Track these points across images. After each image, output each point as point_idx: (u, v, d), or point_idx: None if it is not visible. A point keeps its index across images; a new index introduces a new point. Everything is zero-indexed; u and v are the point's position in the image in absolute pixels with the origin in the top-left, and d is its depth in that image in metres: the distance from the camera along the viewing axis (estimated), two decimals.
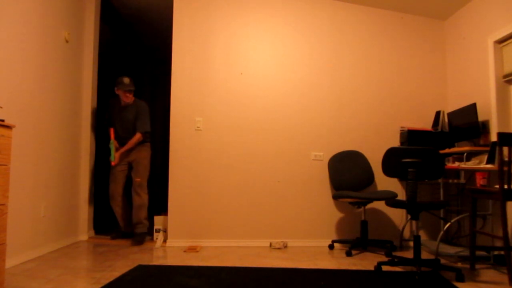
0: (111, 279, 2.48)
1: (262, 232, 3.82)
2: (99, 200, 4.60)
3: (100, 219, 4.81)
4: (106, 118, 4.09)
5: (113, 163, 3.84)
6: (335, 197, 3.57)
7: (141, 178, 3.90)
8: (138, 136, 3.88)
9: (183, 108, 3.83)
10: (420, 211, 2.82)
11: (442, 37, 4.19)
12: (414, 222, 3.92)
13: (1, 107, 2.63)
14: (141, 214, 3.87)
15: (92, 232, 4.13)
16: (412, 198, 2.65)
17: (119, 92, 3.89)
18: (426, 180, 3.76)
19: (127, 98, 3.90)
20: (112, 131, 3.94)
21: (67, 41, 3.63)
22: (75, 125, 3.83)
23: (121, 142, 3.98)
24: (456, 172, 3.70)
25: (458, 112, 3.62)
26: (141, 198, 3.88)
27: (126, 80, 3.88)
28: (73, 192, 3.79)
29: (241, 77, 3.92)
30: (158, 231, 3.85)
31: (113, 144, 3.88)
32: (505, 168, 2.62)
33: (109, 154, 4.00)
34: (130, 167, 3.98)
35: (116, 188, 3.92)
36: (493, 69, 3.34)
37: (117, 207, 3.94)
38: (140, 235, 3.81)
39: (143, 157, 3.96)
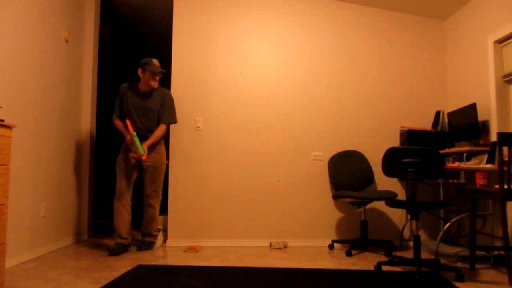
0: (111, 279, 2.48)
1: (262, 232, 3.82)
2: (99, 199, 4.61)
3: (99, 218, 4.82)
4: (117, 107, 3.53)
5: (144, 157, 3.29)
6: (335, 197, 3.57)
7: (158, 189, 3.48)
8: (163, 128, 3.42)
9: (183, 108, 3.83)
10: (420, 211, 2.82)
11: (442, 37, 4.19)
12: (414, 222, 3.92)
13: (1, 107, 2.63)
14: (151, 227, 3.51)
15: (92, 232, 4.12)
16: (412, 198, 2.65)
17: (145, 74, 3.40)
18: (426, 180, 3.76)
19: (155, 83, 3.43)
20: (128, 123, 3.39)
21: (67, 41, 3.63)
22: (75, 125, 3.83)
23: (141, 136, 3.46)
24: (456, 172, 3.70)
25: (458, 112, 3.62)
26: (155, 210, 3.49)
27: (156, 61, 3.41)
28: (73, 192, 3.79)
29: (241, 77, 3.92)
30: (158, 231, 3.84)
31: (136, 136, 3.34)
32: (505, 168, 2.62)
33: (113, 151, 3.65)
34: (140, 167, 3.51)
35: (127, 185, 3.41)
36: (493, 69, 3.34)
37: (123, 209, 3.39)
38: (148, 243, 3.50)
39: (162, 160, 3.49)
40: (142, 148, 3.29)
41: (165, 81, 4.70)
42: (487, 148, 3.25)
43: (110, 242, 3.81)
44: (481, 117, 3.45)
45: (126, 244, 3.38)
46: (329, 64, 4.03)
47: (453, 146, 3.78)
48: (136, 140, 3.29)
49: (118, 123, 3.52)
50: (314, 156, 3.92)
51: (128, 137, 3.37)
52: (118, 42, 5.61)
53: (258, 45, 3.97)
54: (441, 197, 3.54)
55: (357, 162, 3.86)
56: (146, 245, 3.48)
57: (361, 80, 4.05)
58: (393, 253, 3.52)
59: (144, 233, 3.55)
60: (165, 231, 3.85)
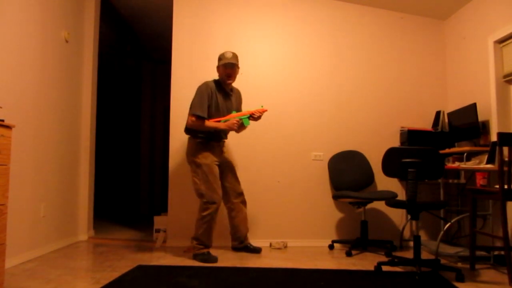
0: (111, 279, 2.48)
1: (262, 232, 3.81)
2: (99, 199, 4.61)
3: (99, 218, 4.82)
4: (205, 109, 3.10)
5: (265, 109, 3.23)
6: (335, 197, 3.57)
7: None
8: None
9: (183, 108, 3.83)
10: (420, 211, 2.82)
11: (442, 37, 4.19)
12: (414, 222, 3.92)
13: (1, 107, 2.62)
14: (247, 226, 3.48)
15: (92, 232, 4.13)
16: (412, 198, 2.65)
17: (219, 70, 3.22)
18: (426, 180, 3.76)
19: (229, 79, 3.19)
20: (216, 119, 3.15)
21: (67, 41, 3.63)
22: (75, 125, 3.83)
23: (219, 138, 3.25)
24: (456, 172, 3.70)
25: (458, 112, 3.61)
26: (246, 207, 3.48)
27: (228, 53, 3.17)
28: (73, 192, 3.79)
29: (241, 77, 3.91)
30: (158, 231, 3.84)
31: (234, 112, 3.23)
32: (505, 168, 2.62)
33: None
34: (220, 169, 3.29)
35: (220, 193, 3.18)
36: (493, 69, 3.34)
37: (219, 218, 3.28)
38: (256, 247, 3.44)
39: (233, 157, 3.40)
40: (246, 115, 3.16)
41: (166, 81, 4.70)
42: (487, 148, 3.25)
43: (110, 242, 3.81)
44: (481, 117, 3.44)
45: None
46: (329, 64, 4.02)
47: (453, 146, 3.78)
48: (236, 113, 3.21)
49: (209, 123, 3.10)
50: (314, 156, 3.92)
51: (234, 122, 3.11)
52: (118, 42, 5.61)
53: (258, 45, 3.96)
54: (441, 197, 3.54)
55: (357, 162, 3.86)
56: (256, 249, 3.42)
57: (361, 80, 4.05)
58: (393, 253, 3.52)
59: (246, 235, 3.44)
60: (165, 231, 3.85)
